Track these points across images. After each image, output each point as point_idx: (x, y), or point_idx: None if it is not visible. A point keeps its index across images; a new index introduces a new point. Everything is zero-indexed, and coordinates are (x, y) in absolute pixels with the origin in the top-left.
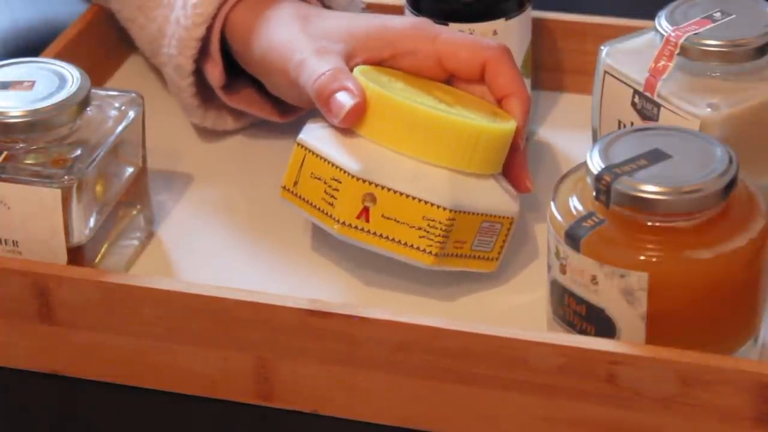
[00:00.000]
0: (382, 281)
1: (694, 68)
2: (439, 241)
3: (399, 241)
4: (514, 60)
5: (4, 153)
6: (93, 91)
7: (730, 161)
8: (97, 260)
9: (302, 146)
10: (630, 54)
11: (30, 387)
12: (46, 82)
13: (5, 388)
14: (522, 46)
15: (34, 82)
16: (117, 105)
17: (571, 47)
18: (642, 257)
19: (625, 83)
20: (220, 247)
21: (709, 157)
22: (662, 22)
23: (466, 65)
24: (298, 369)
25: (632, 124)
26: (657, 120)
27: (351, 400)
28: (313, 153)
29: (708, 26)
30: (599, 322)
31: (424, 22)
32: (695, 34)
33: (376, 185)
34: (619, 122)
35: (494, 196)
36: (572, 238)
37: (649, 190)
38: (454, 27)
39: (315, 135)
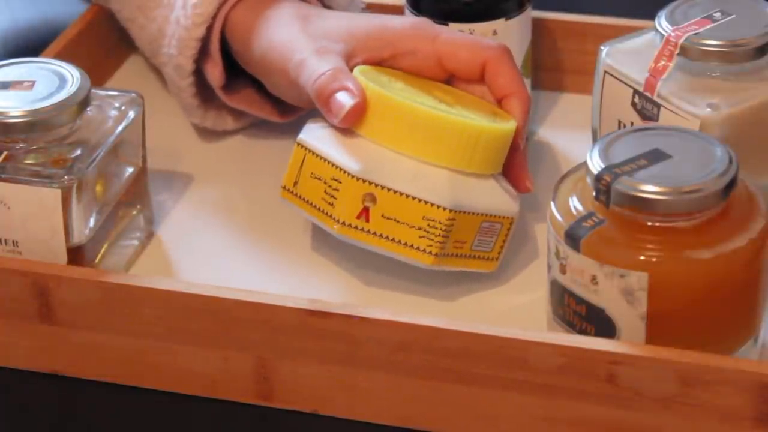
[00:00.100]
0: (382, 281)
1: (694, 68)
2: (439, 241)
3: (399, 241)
4: (514, 60)
5: (4, 153)
6: (93, 91)
7: (730, 161)
8: (97, 260)
9: (302, 146)
10: (630, 54)
11: (30, 387)
12: (46, 82)
13: (5, 388)
14: (522, 46)
15: (34, 82)
16: (117, 105)
17: (571, 47)
18: (642, 257)
19: (625, 83)
20: (220, 247)
21: (709, 157)
22: (662, 22)
23: (466, 65)
24: (298, 369)
25: (632, 124)
26: (657, 120)
27: (351, 400)
28: (313, 153)
29: (708, 26)
30: (599, 322)
31: (424, 22)
32: (695, 34)
33: (376, 185)
34: (619, 122)
35: (494, 196)
36: (572, 238)
37: (649, 190)
38: (454, 27)
39: (315, 135)
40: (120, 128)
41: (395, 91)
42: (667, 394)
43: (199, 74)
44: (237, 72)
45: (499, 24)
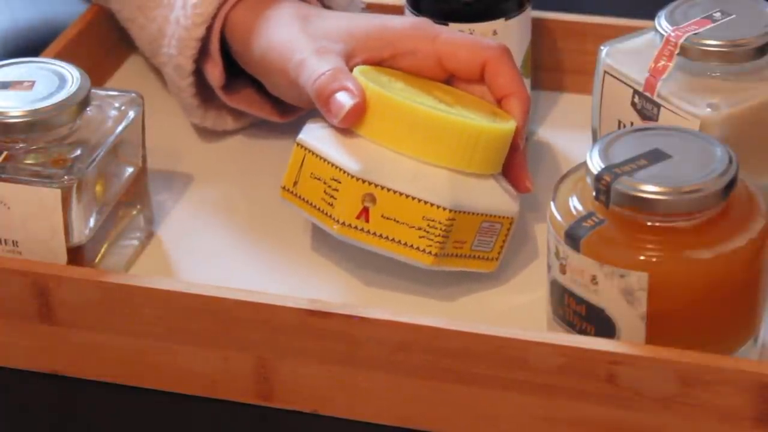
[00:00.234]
0: (382, 281)
1: (694, 68)
2: (439, 241)
3: (399, 241)
4: (513, 60)
5: (4, 153)
6: (93, 91)
7: (730, 161)
8: (97, 260)
9: (302, 146)
10: (630, 54)
11: (30, 387)
12: (46, 82)
13: (5, 388)
14: (522, 46)
15: (34, 82)
16: (117, 105)
17: (571, 47)
18: (642, 257)
19: (625, 83)
20: (220, 247)
21: (709, 157)
22: (662, 22)
23: (466, 65)
24: (298, 369)
25: (632, 124)
26: (657, 120)
27: (351, 400)
28: (313, 153)
29: (708, 26)
30: (599, 322)
31: (424, 22)
32: (695, 34)
33: (376, 185)
34: (619, 122)
35: (494, 196)
36: (572, 238)
37: (649, 190)
38: (454, 27)
39: (315, 135)
40: (120, 128)
41: (395, 91)
42: (667, 394)
43: (199, 74)
44: (237, 72)
45: (499, 24)
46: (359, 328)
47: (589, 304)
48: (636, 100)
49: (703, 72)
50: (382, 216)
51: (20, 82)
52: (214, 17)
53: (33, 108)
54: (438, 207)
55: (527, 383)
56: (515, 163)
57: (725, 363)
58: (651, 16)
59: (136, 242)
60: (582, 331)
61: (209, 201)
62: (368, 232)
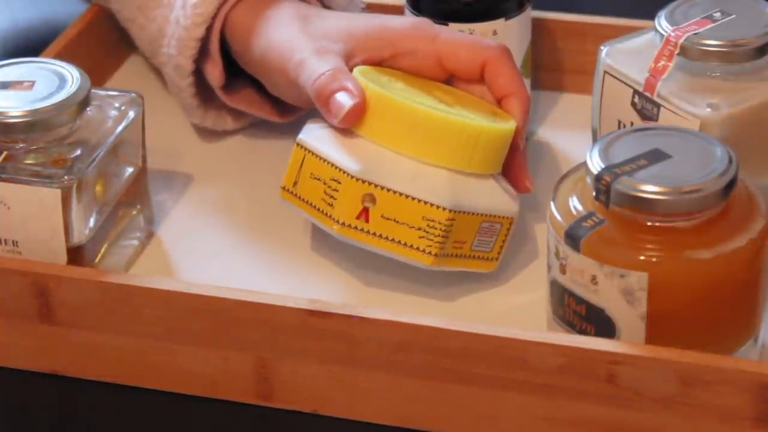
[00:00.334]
0: (382, 281)
1: (694, 68)
2: (439, 241)
3: (399, 242)
4: (513, 60)
5: (4, 153)
6: (93, 91)
7: (730, 161)
8: (97, 260)
9: (302, 146)
10: (630, 54)
11: (30, 387)
12: (46, 82)
13: (5, 388)
14: (522, 46)
15: (34, 82)
16: (117, 105)
17: (571, 47)
18: (642, 257)
19: (625, 83)
20: (220, 247)
21: (709, 157)
22: (662, 22)
23: (466, 65)
24: (298, 369)
25: (632, 124)
26: (657, 120)
27: (351, 400)
28: (313, 153)
29: (708, 26)
30: (599, 322)
31: (424, 22)
32: (695, 34)
33: (376, 185)
34: (619, 122)
35: (494, 196)
36: (572, 238)
37: (649, 190)
38: (454, 27)
39: (314, 135)
40: (120, 128)
41: (395, 92)
42: (667, 394)
43: (199, 74)
44: (237, 72)
45: (499, 24)
46: (359, 328)
47: (589, 304)
48: (636, 100)
49: (703, 72)
50: (381, 216)
51: (20, 82)
52: (214, 17)
53: (33, 108)
54: (438, 207)
55: (527, 383)
56: (515, 163)
57: (725, 363)
58: (651, 16)
59: (136, 242)
60: (582, 331)
61: (209, 201)
62: (368, 232)
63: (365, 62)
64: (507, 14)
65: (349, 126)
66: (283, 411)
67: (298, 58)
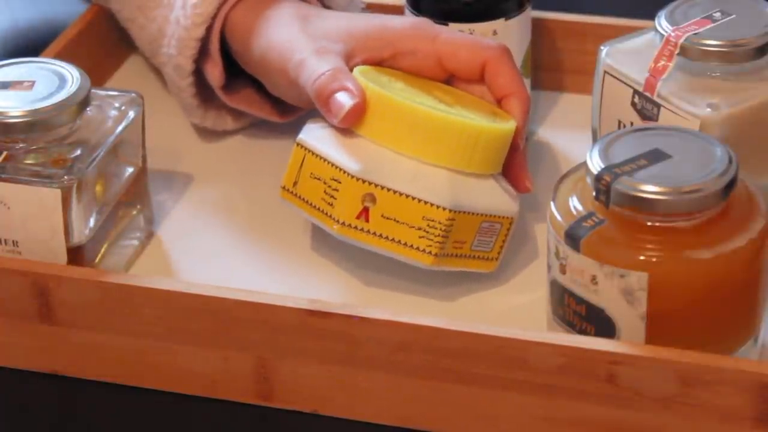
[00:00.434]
0: (382, 281)
1: (694, 68)
2: (439, 241)
3: (399, 242)
4: (513, 60)
5: (4, 153)
6: (93, 91)
7: (730, 161)
8: (97, 260)
9: (302, 146)
10: (630, 54)
11: (30, 387)
12: (46, 82)
13: (5, 388)
14: (522, 46)
15: (34, 82)
16: (117, 105)
17: (571, 47)
18: (642, 257)
19: (625, 83)
20: (220, 247)
21: (709, 157)
22: (662, 22)
23: (466, 65)
24: (298, 369)
25: (632, 124)
26: (657, 120)
27: (351, 400)
28: (313, 153)
29: (708, 26)
30: (599, 322)
31: (424, 22)
32: (695, 34)
33: (376, 185)
34: (619, 122)
35: (494, 196)
36: (572, 238)
37: (649, 190)
38: (454, 27)
39: (315, 135)
40: (120, 128)
41: (395, 91)
42: (667, 394)
43: (199, 74)
44: (237, 72)
45: (499, 24)
46: (359, 328)
47: (589, 304)
48: (636, 100)
49: (703, 72)
50: (382, 216)
51: (20, 82)
52: (214, 17)
53: (33, 108)
54: (438, 207)
55: (527, 383)
56: (515, 163)
57: (725, 363)
58: (651, 16)
59: (136, 242)
60: (582, 331)
61: (209, 201)
62: (368, 232)
63: (365, 62)
64: (507, 14)
65: (349, 126)
66: (283, 411)
67: (298, 58)
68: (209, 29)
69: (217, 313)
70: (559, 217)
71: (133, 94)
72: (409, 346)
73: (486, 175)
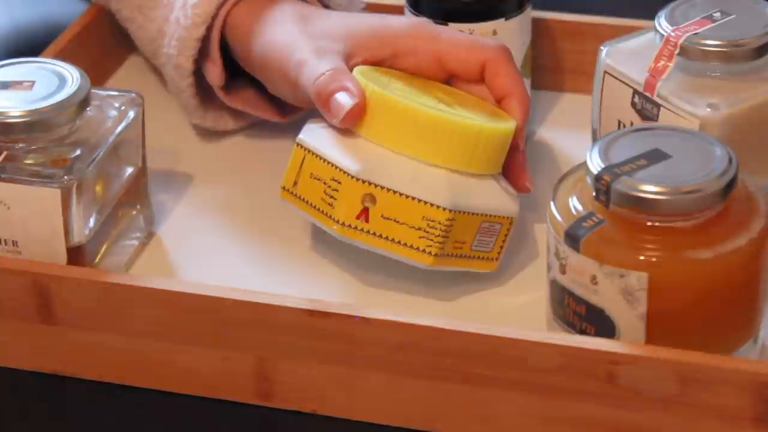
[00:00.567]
0: (382, 281)
1: (694, 68)
2: (439, 241)
3: (399, 242)
4: (513, 60)
5: (4, 153)
6: (93, 91)
7: (730, 161)
8: (97, 260)
9: (302, 147)
10: (630, 54)
11: (30, 387)
12: (46, 82)
13: (5, 388)
14: (522, 46)
15: (33, 82)
16: (117, 105)
17: (571, 47)
18: (642, 257)
19: (625, 83)
20: (220, 247)
21: (709, 157)
22: (662, 22)
23: (466, 65)
24: (298, 369)
25: (632, 124)
26: (657, 120)
27: (351, 400)
28: (313, 153)
29: (708, 26)
30: (599, 322)
31: (424, 22)
32: (695, 34)
33: (376, 186)
34: (619, 122)
35: (494, 197)
36: (572, 238)
37: (649, 190)
38: (454, 27)
39: (314, 135)
40: (120, 128)
41: (395, 92)
42: (667, 394)
43: (199, 74)
44: (237, 72)
45: (498, 24)
46: (359, 328)
47: (589, 304)
48: (636, 100)
49: (703, 72)
50: (382, 216)
51: (20, 82)
52: (214, 17)
53: (33, 108)
54: (438, 207)
55: (527, 383)
56: (515, 163)
57: (725, 363)
58: (651, 16)
59: (136, 242)
60: (582, 331)
61: (209, 201)
62: (368, 232)
63: (365, 62)
64: (507, 14)
65: (349, 126)
66: (283, 411)
67: (298, 58)
68: (209, 29)
69: (217, 313)
70: (559, 217)
71: (133, 94)
72: (409, 346)
73: (486, 175)
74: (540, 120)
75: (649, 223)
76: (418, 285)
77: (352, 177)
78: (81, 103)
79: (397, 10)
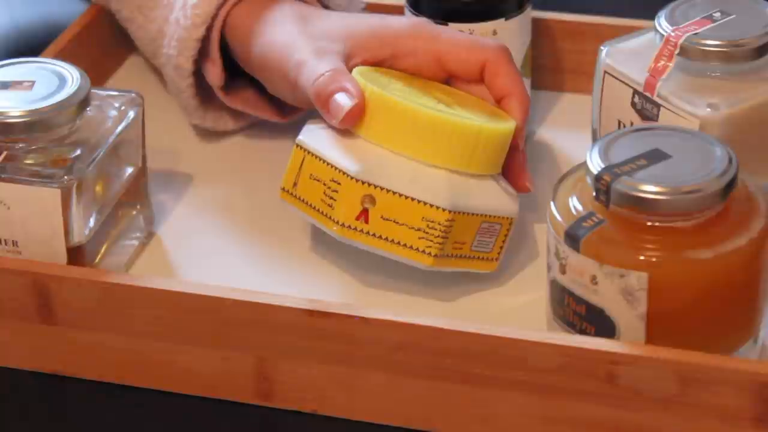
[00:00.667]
0: (382, 281)
1: (694, 68)
2: (439, 242)
3: (398, 243)
4: (513, 60)
5: (4, 153)
6: (93, 91)
7: (730, 161)
8: (97, 260)
9: (301, 147)
10: (630, 54)
11: (30, 387)
12: (46, 82)
13: (5, 388)
14: (522, 46)
15: (33, 82)
16: (117, 105)
17: (571, 47)
18: (642, 257)
19: (625, 83)
20: (220, 247)
21: (709, 157)
22: (662, 22)
23: (466, 65)
24: (298, 369)
25: (632, 124)
26: (657, 120)
27: (351, 400)
28: (312, 154)
29: (708, 26)
30: (599, 322)
31: (424, 23)
32: (695, 34)
33: (375, 186)
34: (619, 122)
35: (493, 197)
36: (572, 238)
37: (649, 190)
38: (454, 27)
39: (314, 136)
40: (120, 128)
41: (394, 92)
42: (667, 394)
43: (199, 75)
44: (237, 72)
45: (498, 24)
46: (359, 328)
47: (589, 304)
48: (636, 100)
49: (703, 72)
50: (381, 217)
51: (20, 82)
52: (214, 17)
53: (33, 108)
54: (437, 208)
55: (527, 383)
56: (515, 163)
57: (725, 363)
58: (651, 16)
59: (136, 242)
60: (582, 331)
61: (209, 201)
62: (368, 233)
63: (365, 62)
64: (507, 14)
65: (348, 127)
66: (283, 411)
67: (297, 58)
68: (209, 29)
69: (217, 313)
70: (559, 217)
71: (133, 94)
72: (409, 346)
73: (486, 175)
74: (540, 120)
75: (649, 223)
76: (418, 285)
77: (352, 178)
78: (81, 103)
79: (397, 10)
